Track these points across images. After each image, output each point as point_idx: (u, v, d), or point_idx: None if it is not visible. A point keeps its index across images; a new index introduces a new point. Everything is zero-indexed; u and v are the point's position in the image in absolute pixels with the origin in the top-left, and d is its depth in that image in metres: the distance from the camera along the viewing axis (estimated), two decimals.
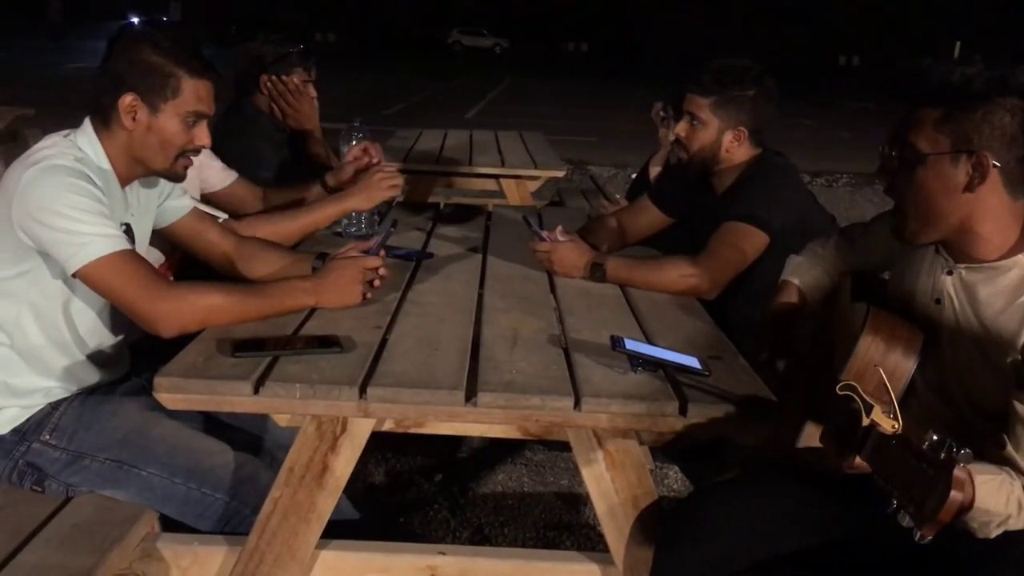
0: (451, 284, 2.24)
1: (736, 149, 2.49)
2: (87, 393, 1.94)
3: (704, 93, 2.47)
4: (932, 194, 1.52)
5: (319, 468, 1.68)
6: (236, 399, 1.55)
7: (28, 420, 1.87)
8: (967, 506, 1.24)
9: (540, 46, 48.94)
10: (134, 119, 1.82)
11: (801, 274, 2.08)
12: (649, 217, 2.83)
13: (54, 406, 1.89)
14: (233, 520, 1.84)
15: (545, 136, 5.73)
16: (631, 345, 1.74)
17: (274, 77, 3.01)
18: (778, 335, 2.05)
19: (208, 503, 1.85)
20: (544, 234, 2.35)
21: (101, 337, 1.96)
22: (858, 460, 1.28)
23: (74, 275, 1.72)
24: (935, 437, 1.14)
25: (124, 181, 1.91)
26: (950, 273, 1.61)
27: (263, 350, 1.66)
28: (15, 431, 1.86)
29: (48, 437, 1.86)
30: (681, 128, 2.52)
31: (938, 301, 1.63)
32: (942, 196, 1.52)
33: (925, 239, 1.60)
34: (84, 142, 1.84)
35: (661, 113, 3.98)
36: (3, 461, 1.87)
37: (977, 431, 1.55)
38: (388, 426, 1.73)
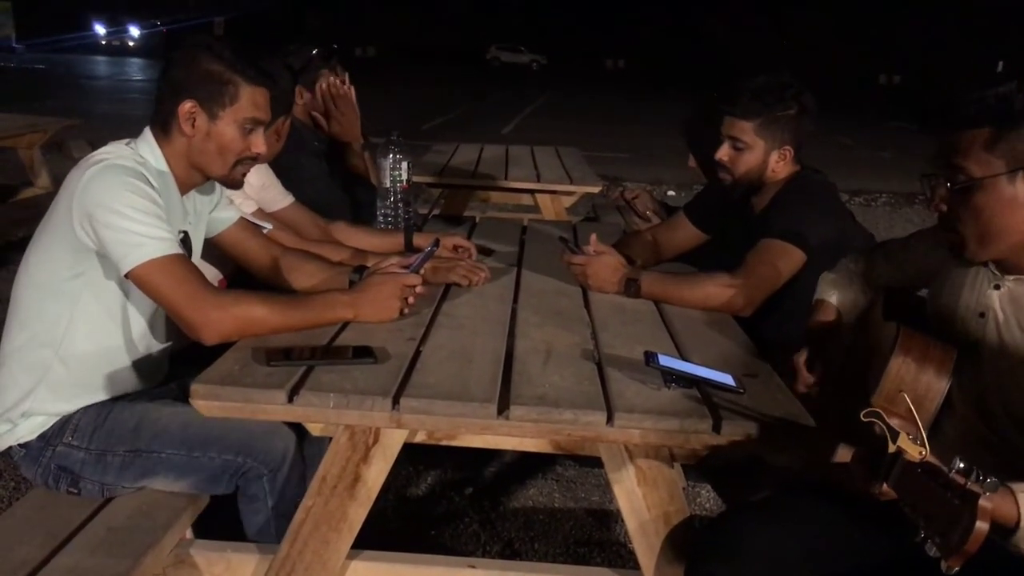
0: (485, 298, 2.24)
1: (782, 168, 2.47)
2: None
3: (747, 116, 2.43)
4: (995, 215, 1.50)
5: (351, 478, 1.69)
6: (270, 407, 1.57)
7: (52, 426, 1.90)
8: (1013, 526, 1.22)
9: (577, 63, 49.02)
10: (193, 126, 1.86)
11: (836, 292, 2.06)
12: (685, 233, 2.82)
13: (75, 410, 1.92)
14: (248, 475, 1.88)
15: (581, 152, 5.73)
16: (665, 361, 1.73)
17: (326, 83, 3.07)
18: (814, 354, 2.03)
19: (237, 469, 1.87)
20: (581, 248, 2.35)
21: (150, 343, 1.99)
22: (884, 488, 1.26)
23: (126, 275, 1.75)
24: (961, 464, 1.13)
25: (183, 189, 1.95)
26: (997, 287, 1.58)
27: (298, 359, 1.68)
28: (40, 437, 1.90)
29: (70, 439, 1.89)
30: (724, 153, 2.49)
31: (983, 315, 1.61)
32: (1005, 215, 1.50)
33: (987, 257, 1.58)
34: (145, 149, 1.88)
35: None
36: (34, 466, 1.90)
37: (1018, 449, 1.53)
38: (420, 438, 1.73)
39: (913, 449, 1.20)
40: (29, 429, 1.89)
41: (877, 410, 1.25)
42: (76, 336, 1.87)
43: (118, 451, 1.87)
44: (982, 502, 1.09)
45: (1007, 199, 1.48)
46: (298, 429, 1.92)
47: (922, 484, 1.17)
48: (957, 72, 36.31)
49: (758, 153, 2.45)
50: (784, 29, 50.47)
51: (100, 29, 46.58)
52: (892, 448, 1.22)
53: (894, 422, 1.25)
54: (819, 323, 2.03)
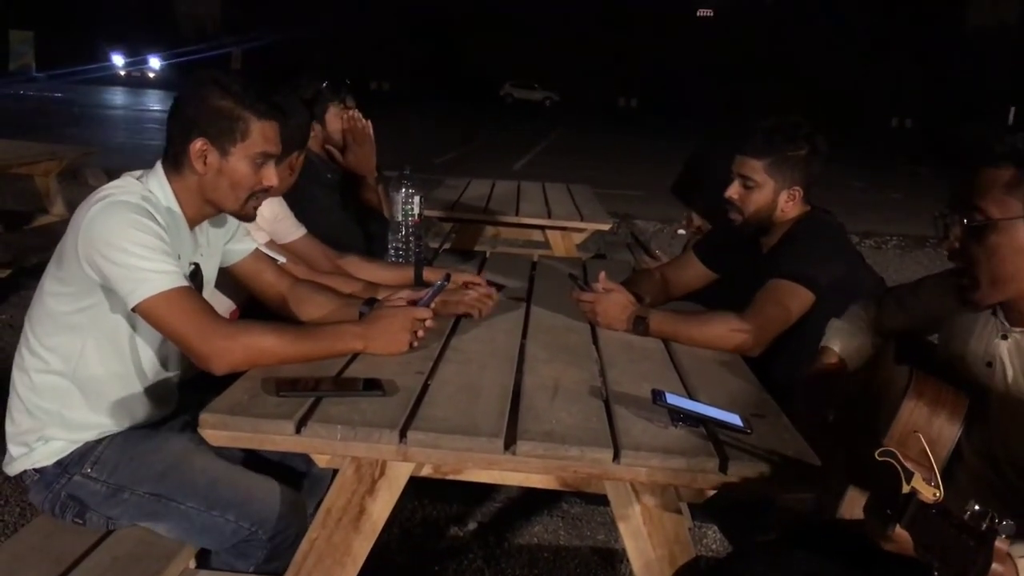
0: (494, 332, 2.25)
1: (791, 208, 2.49)
2: (132, 428, 1.97)
3: (757, 155, 2.46)
4: (1008, 258, 1.50)
5: (356, 511, 1.68)
6: (278, 438, 1.57)
7: (71, 453, 1.90)
8: None
9: (590, 100, 49.33)
10: (205, 163, 1.88)
11: (841, 339, 2.06)
12: (694, 272, 2.82)
13: (98, 441, 1.92)
14: (272, 555, 1.85)
15: (592, 189, 5.76)
16: (672, 399, 1.73)
17: (346, 116, 3.12)
18: (817, 401, 2.03)
19: (245, 536, 1.85)
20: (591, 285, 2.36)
21: (159, 372, 1.99)
22: (898, 530, 1.26)
23: (134, 310, 1.77)
24: (976, 507, 1.12)
25: (192, 222, 1.96)
26: (1005, 337, 1.58)
27: (307, 390, 1.68)
28: (58, 463, 1.90)
29: (90, 470, 1.88)
30: (734, 191, 2.51)
31: (990, 364, 1.60)
32: (1018, 260, 1.50)
33: (993, 302, 1.58)
34: (154, 184, 1.90)
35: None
36: (44, 493, 1.90)
37: None
38: (426, 471, 1.73)
39: (927, 490, 1.20)
40: (46, 454, 1.90)
41: (892, 449, 1.25)
42: (88, 364, 1.88)
43: (137, 490, 1.87)
44: (998, 544, 1.08)
45: (1021, 243, 1.49)
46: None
47: (936, 525, 1.17)
48: (968, 117, 36.42)
49: (767, 192, 2.47)
50: (794, 70, 50.82)
51: (118, 60, 46.37)
52: (906, 488, 1.22)
53: (908, 463, 1.25)
54: (820, 370, 2.03)
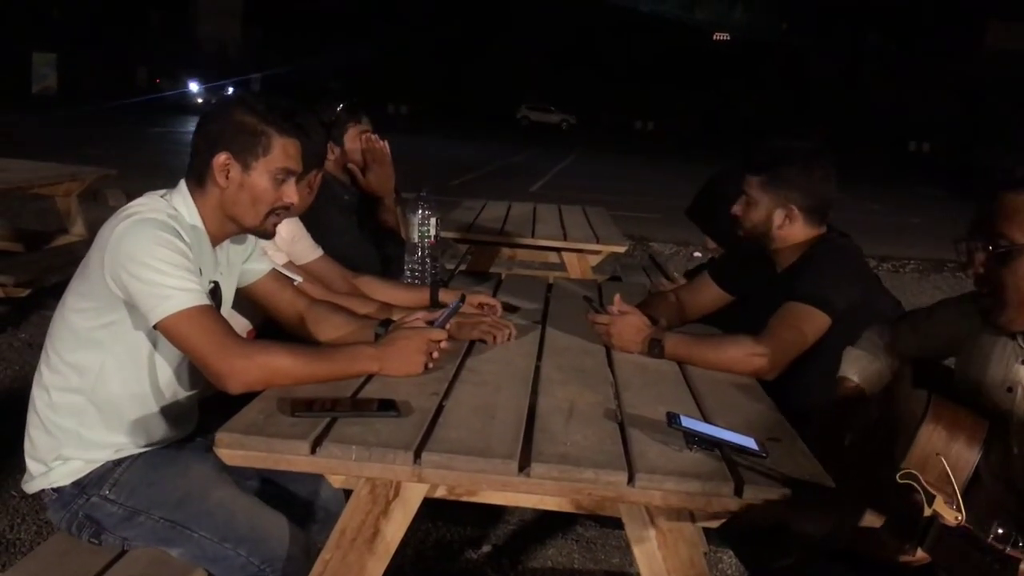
0: (509, 354, 2.25)
1: (788, 227, 2.48)
2: (153, 451, 1.97)
3: (755, 171, 2.50)
4: None
5: (370, 532, 1.68)
6: (293, 458, 1.57)
7: (90, 474, 1.91)
8: None
9: (606, 123, 49.44)
10: (227, 177, 1.90)
11: (858, 366, 2.05)
12: (710, 294, 2.81)
13: (117, 462, 1.92)
14: None
15: (608, 211, 5.77)
16: (687, 423, 1.73)
17: (364, 137, 3.16)
18: (837, 429, 2.02)
19: (254, 572, 1.84)
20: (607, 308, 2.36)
21: (177, 391, 2.00)
22: (919, 552, 1.25)
23: (155, 327, 1.78)
24: (1000, 530, 1.12)
25: (215, 240, 1.98)
26: None
27: (322, 411, 1.68)
28: (76, 484, 1.90)
29: (108, 492, 1.89)
30: (737, 207, 2.54)
31: (1010, 390, 1.59)
32: None
33: (1019, 327, 1.57)
34: (179, 201, 1.92)
35: None
36: (62, 512, 1.91)
37: None
38: (441, 493, 1.73)
39: (949, 513, 1.19)
40: (65, 474, 1.90)
41: (914, 472, 1.24)
42: (108, 382, 1.89)
43: (154, 514, 1.87)
44: (1023, 567, 1.08)
45: None
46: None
47: (959, 548, 1.16)
48: (988, 141, 36.29)
49: (762, 210, 2.49)
50: (810, 94, 50.88)
51: (193, 86, 44.73)
52: (928, 511, 1.21)
53: (928, 487, 1.24)
54: (840, 401, 2.02)
